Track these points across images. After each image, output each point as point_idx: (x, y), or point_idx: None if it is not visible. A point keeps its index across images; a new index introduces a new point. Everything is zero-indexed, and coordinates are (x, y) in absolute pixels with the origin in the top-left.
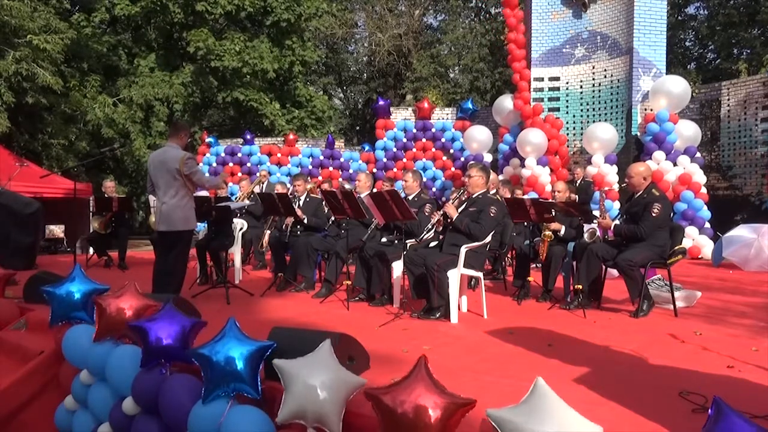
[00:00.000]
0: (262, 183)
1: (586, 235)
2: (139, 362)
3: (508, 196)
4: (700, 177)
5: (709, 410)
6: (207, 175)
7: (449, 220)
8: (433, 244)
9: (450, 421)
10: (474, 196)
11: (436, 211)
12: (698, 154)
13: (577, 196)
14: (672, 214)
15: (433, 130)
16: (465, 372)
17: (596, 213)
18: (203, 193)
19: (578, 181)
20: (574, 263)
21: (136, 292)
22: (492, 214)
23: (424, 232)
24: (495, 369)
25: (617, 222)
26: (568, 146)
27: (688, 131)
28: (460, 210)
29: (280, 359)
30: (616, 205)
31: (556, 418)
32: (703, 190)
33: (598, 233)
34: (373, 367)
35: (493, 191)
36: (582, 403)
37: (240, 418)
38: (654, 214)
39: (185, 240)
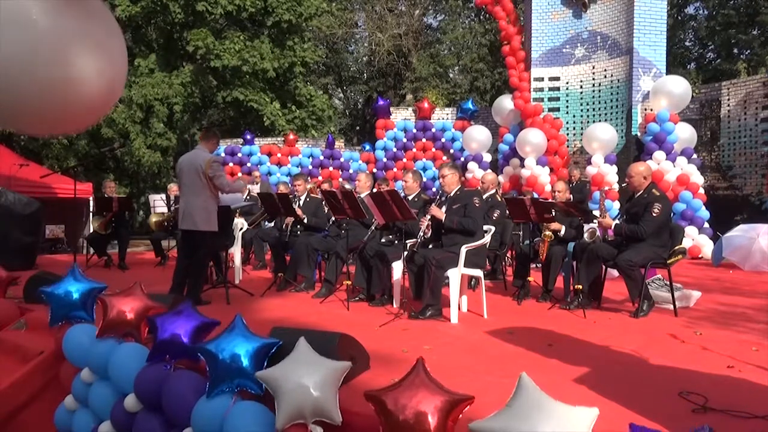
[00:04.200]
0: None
1: (586, 235)
2: (143, 359)
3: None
4: (697, 177)
5: None
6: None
7: (438, 223)
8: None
9: (449, 419)
10: (452, 194)
11: (424, 217)
12: (695, 155)
13: (571, 196)
14: (671, 214)
15: (433, 130)
16: (465, 372)
17: (596, 213)
18: None
19: (573, 182)
20: (574, 263)
21: (142, 293)
22: (477, 205)
23: (417, 240)
24: (495, 369)
25: (617, 222)
26: (568, 146)
27: (684, 133)
28: (444, 211)
29: (261, 371)
30: (616, 204)
31: (545, 415)
32: (701, 190)
33: (598, 233)
34: (373, 367)
35: (493, 191)
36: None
37: (243, 413)
38: (654, 214)
39: (207, 242)
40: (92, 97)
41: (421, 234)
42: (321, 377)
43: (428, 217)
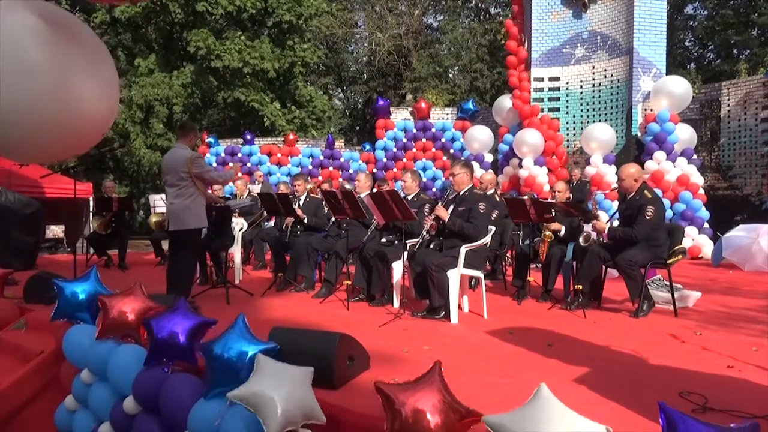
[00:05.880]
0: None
1: (581, 239)
2: (142, 361)
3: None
4: (697, 178)
5: (660, 420)
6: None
7: (442, 222)
8: (433, 244)
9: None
10: (461, 194)
11: (428, 216)
12: (695, 156)
13: (571, 195)
14: (670, 214)
15: (433, 130)
16: (465, 372)
17: (599, 213)
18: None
19: (575, 182)
20: (575, 263)
21: (142, 294)
22: (482, 211)
23: (419, 239)
24: (495, 369)
25: (610, 225)
26: (567, 146)
27: (683, 134)
28: (449, 211)
29: (235, 391)
30: (616, 205)
31: (559, 422)
32: (701, 191)
33: (593, 236)
34: (373, 367)
35: (491, 191)
36: (582, 403)
37: (239, 417)
38: (648, 217)
39: (195, 238)
40: (92, 120)
41: (425, 233)
42: (295, 385)
43: (432, 216)
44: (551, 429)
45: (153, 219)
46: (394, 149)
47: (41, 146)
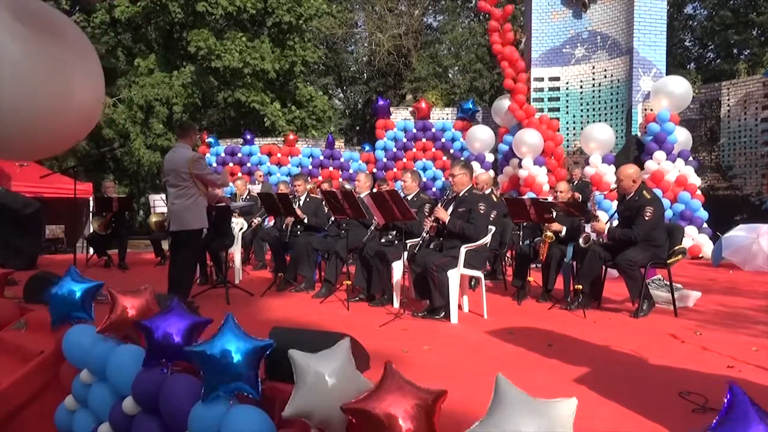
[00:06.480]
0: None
1: (581, 240)
2: (141, 361)
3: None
4: (695, 179)
5: (726, 398)
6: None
7: (442, 224)
8: (433, 245)
9: (431, 417)
10: (461, 194)
11: (428, 217)
12: (691, 158)
13: (579, 196)
14: (669, 214)
15: (433, 130)
16: (465, 372)
17: (599, 214)
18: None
19: (576, 182)
20: (575, 263)
21: (151, 297)
22: (482, 211)
23: (419, 240)
24: (495, 369)
25: (612, 224)
26: (567, 146)
27: (680, 136)
28: (449, 211)
29: (298, 352)
30: (615, 205)
31: (526, 413)
32: (699, 191)
33: (593, 237)
34: (373, 367)
35: (488, 190)
36: (582, 403)
37: (240, 417)
38: (647, 218)
39: (195, 239)
40: (79, 110)
41: (425, 234)
42: (346, 388)
43: (432, 218)
44: (521, 422)
45: (153, 219)
46: (394, 149)
47: (31, 142)
